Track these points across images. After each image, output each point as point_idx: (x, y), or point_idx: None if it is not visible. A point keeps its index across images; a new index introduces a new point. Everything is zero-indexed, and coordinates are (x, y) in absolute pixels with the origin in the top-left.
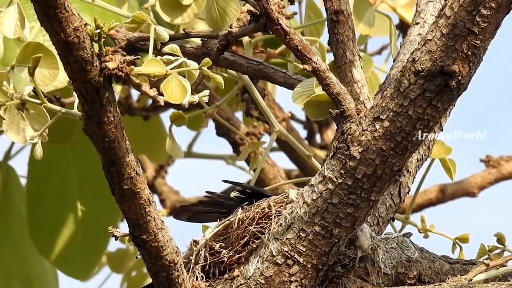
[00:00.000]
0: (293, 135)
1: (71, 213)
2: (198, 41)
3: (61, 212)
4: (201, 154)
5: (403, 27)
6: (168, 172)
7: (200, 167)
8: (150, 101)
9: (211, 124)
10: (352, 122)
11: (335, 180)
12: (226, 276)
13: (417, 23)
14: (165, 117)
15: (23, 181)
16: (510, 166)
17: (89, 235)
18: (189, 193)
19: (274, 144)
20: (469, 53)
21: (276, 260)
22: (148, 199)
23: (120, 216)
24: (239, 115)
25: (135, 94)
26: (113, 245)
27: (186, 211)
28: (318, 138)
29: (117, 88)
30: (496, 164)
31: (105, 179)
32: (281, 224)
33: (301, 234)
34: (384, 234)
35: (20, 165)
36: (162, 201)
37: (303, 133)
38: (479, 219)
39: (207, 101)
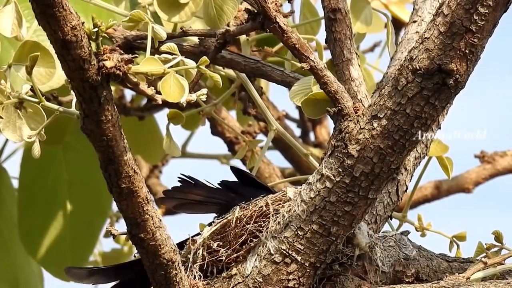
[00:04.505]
0: (288, 133)
1: (60, 214)
2: (195, 39)
3: (51, 213)
4: (195, 153)
5: (395, 24)
6: (163, 172)
7: (194, 167)
8: (144, 101)
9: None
10: (350, 120)
11: (333, 179)
12: (224, 274)
13: (415, 21)
14: (159, 117)
15: (15, 183)
16: (505, 162)
17: (77, 236)
18: None
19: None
20: (467, 51)
21: (274, 259)
22: (146, 197)
23: (107, 217)
24: (233, 113)
25: (128, 94)
26: (108, 245)
27: (172, 198)
28: (312, 136)
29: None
30: (490, 159)
31: (94, 180)
32: (279, 222)
33: (299, 232)
34: (382, 232)
35: (12, 167)
36: (157, 201)
37: (297, 131)
38: (474, 215)
39: (205, 99)
